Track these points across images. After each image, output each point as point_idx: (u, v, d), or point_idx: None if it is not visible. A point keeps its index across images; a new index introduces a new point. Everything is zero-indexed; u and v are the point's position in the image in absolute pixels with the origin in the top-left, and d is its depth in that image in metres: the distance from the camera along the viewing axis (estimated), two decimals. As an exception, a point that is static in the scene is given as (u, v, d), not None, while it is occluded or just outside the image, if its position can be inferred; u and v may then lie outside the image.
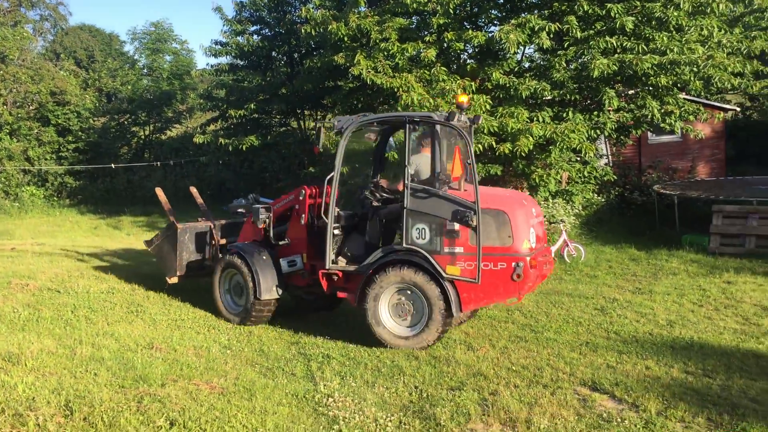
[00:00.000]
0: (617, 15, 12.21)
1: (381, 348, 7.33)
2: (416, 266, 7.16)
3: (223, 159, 22.99)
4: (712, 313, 8.73)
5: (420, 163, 7.54)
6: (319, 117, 21.66)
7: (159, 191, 10.14)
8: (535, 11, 13.51)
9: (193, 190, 10.61)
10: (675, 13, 12.29)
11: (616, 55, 12.17)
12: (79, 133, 28.67)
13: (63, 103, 28.34)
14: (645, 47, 12.31)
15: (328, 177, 7.58)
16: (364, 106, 15.59)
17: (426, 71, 12.90)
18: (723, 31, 13.76)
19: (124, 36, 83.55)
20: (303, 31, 14.67)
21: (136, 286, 9.94)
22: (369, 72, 12.63)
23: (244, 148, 18.33)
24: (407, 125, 7.37)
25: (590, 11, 12.44)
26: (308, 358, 7.01)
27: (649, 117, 13.27)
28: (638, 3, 12.65)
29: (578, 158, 14.32)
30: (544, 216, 13.08)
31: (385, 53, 13.03)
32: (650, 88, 13.43)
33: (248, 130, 19.83)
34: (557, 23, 12.30)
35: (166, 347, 7.12)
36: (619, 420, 5.26)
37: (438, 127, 7.24)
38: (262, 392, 5.73)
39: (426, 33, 13.87)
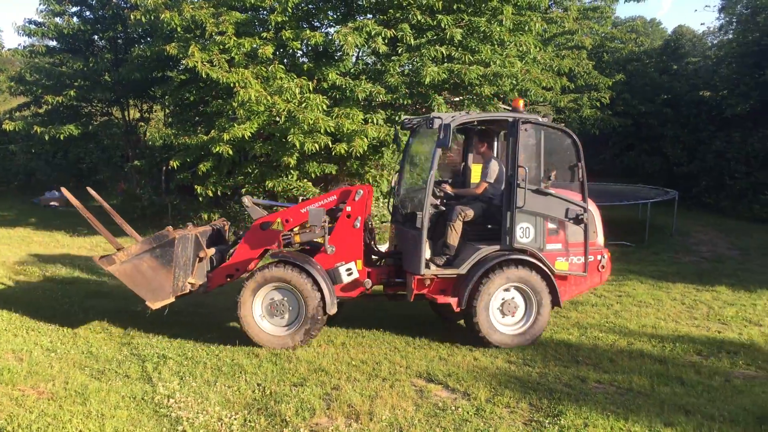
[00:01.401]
0: (447, 26, 12.88)
1: (220, 346, 7.24)
2: (528, 265, 7.38)
3: (36, 148, 21.09)
4: (529, 307, 9.50)
5: (495, 163, 7.97)
6: (145, 108, 20.62)
7: (66, 191, 7.80)
8: (371, 16, 13.89)
9: (92, 190, 8.19)
10: (498, 29, 13.19)
11: (446, 64, 12.82)
12: None
13: None
14: (471, 57, 13.08)
15: (429, 178, 7.47)
16: (196, 99, 15.14)
17: (263, 68, 12.80)
18: (538, 49, 14.99)
19: None
20: (132, 17, 13.93)
21: (-63, 286, 9.01)
22: (204, 65, 12.30)
23: (61, 138, 17.04)
24: (518, 125, 7.35)
25: (422, 21, 13.00)
26: (143, 359, 6.75)
27: (473, 124, 14.10)
28: (466, 16, 13.41)
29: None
30: (375, 215, 13.54)
31: (221, 47, 12.77)
32: (474, 97, 14.28)
33: (66, 118, 18.39)
34: (392, 29, 12.75)
35: (-19, 352, 6.56)
36: (453, 408, 5.62)
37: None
38: (96, 396, 5.46)
39: (264, 30, 13.75)
